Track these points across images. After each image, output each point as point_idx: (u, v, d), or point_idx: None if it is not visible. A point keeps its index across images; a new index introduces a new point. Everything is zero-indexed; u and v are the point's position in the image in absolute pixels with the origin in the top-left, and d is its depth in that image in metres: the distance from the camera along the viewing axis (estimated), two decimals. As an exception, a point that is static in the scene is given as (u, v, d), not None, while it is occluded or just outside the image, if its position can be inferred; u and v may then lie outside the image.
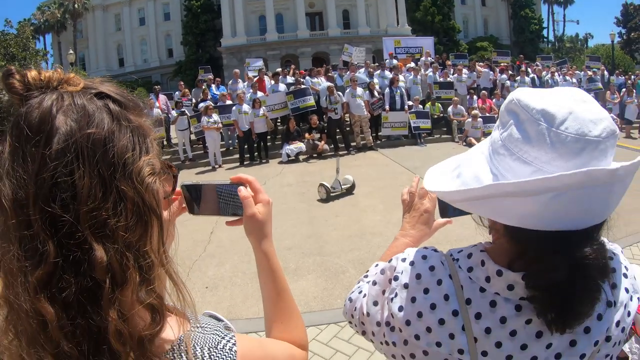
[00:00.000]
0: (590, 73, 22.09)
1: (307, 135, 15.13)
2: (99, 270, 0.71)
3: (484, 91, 18.52)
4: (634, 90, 19.82)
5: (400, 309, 1.05)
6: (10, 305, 0.73)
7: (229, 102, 16.00)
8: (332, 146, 15.37)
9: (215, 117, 14.73)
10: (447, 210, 1.43)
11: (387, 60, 21.14)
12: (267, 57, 46.70)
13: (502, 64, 22.22)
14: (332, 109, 15.39)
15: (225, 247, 7.43)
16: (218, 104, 15.94)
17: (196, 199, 1.18)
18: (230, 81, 18.27)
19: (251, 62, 22.05)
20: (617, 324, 0.99)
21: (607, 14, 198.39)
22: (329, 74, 17.80)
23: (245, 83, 17.61)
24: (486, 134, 15.91)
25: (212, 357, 0.84)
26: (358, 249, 7.05)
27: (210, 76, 19.94)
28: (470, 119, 16.14)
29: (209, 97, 16.55)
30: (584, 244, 0.90)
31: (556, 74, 20.59)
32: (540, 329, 0.95)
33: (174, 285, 0.82)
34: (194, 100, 17.32)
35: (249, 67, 20.83)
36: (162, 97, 17.47)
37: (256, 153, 15.22)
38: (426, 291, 1.04)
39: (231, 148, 16.39)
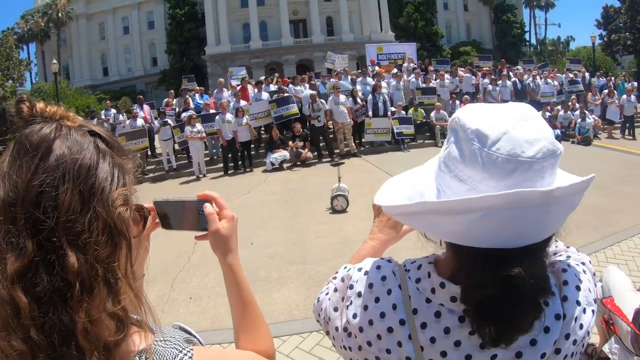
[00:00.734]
0: (571, 75, 22.42)
1: (290, 143, 15.10)
2: (71, 274, 0.79)
3: (466, 96, 18.72)
4: (615, 92, 20.12)
5: (355, 316, 1.10)
6: None
7: (212, 111, 15.98)
8: (316, 154, 15.42)
9: (198, 126, 14.71)
10: None
11: (370, 67, 21.29)
12: (251, 65, 46.79)
13: (484, 69, 22.52)
14: (315, 117, 15.45)
15: (209, 257, 7.34)
16: (201, 113, 15.92)
17: (168, 215, 1.25)
18: (215, 90, 18.25)
19: (234, 70, 22.14)
20: (567, 336, 0.99)
21: (588, 16, 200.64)
22: (312, 82, 17.86)
23: (230, 92, 17.61)
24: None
25: None
26: (341, 257, 6.99)
27: (194, 85, 19.94)
28: (452, 124, 16.10)
29: (191, 106, 16.51)
30: (519, 261, 0.90)
31: (538, 77, 20.82)
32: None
33: (137, 301, 0.89)
34: (177, 110, 17.28)
35: (232, 76, 20.86)
36: (146, 106, 17.51)
37: (240, 162, 15.19)
38: (377, 300, 1.08)
39: (215, 157, 16.36)
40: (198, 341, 1.07)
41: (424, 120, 17.74)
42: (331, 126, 16.33)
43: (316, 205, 10.08)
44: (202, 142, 15.05)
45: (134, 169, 1.02)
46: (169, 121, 15.74)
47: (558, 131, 17.23)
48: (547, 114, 17.97)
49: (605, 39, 47.21)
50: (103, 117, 18.04)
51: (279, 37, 49.51)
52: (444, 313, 1.01)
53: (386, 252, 1.45)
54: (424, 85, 18.65)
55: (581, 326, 1.01)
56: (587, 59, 42.90)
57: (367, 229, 1.44)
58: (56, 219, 0.81)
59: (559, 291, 1.01)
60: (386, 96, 17.01)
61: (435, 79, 19.22)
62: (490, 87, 19.42)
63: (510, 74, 20.96)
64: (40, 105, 0.91)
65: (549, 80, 20.79)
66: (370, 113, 16.36)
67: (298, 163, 14.88)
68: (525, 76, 20.68)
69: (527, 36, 63.29)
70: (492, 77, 20.31)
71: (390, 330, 1.04)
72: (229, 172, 14.90)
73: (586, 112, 17.92)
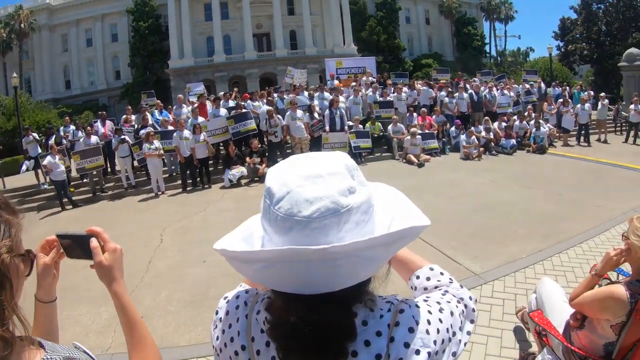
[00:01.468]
0: (527, 86, 22.90)
1: (248, 159, 15.11)
2: None
3: (423, 109, 18.89)
4: (570, 101, 20.81)
5: (217, 338, 1.24)
6: None
7: (170, 128, 15.89)
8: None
9: (156, 143, 14.64)
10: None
11: (329, 82, 21.50)
12: (215, 79, 46.61)
13: (441, 81, 22.83)
14: (272, 132, 15.55)
15: (162, 276, 7.46)
16: (160, 130, 15.82)
17: (69, 246, 1.46)
18: (175, 106, 18.12)
19: (192, 87, 22.00)
20: None
21: (546, 28, 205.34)
22: (269, 98, 17.93)
23: (190, 108, 17.48)
24: (425, 151, 16.44)
25: None
26: None
27: (154, 100, 19.82)
28: (409, 137, 16.45)
29: (149, 122, 16.38)
30: (317, 307, 0.97)
31: (494, 88, 21.11)
32: None
33: (22, 325, 1.08)
34: (136, 126, 17.09)
35: (190, 92, 20.81)
36: (108, 122, 17.30)
37: (198, 179, 15.13)
38: (230, 326, 1.21)
39: (174, 174, 16.27)
40: (92, 358, 1.25)
41: (382, 133, 17.90)
42: (289, 141, 16.41)
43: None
44: (160, 159, 14.92)
45: (20, 223, 1.17)
46: (127, 138, 15.60)
47: (514, 141, 17.73)
48: (504, 124, 18.43)
49: (562, 49, 48.44)
50: (62, 133, 17.88)
51: (243, 50, 49.29)
52: (272, 343, 1.08)
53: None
54: (381, 99, 18.82)
55: None
56: (544, 69, 44.04)
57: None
58: None
59: (388, 331, 1.06)
60: (343, 111, 17.17)
61: (393, 93, 19.42)
62: (446, 99, 19.74)
63: (467, 86, 21.24)
64: None
65: (505, 92, 21.08)
66: (327, 128, 16.52)
67: (256, 179, 14.86)
68: (482, 88, 20.91)
69: (487, 48, 64.56)
70: (449, 89, 20.60)
71: (236, 353, 1.17)
72: (188, 188, 14.84)
73: (541, 121, 18.41)
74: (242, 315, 1.21)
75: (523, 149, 17.95)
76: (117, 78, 54.72)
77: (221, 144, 16.56)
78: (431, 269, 1.45)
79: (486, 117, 18.77)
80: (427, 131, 17.43)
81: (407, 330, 1.06)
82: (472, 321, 1.29)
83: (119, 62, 54.75)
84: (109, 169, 16.85)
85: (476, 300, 1.37)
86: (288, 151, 16.43)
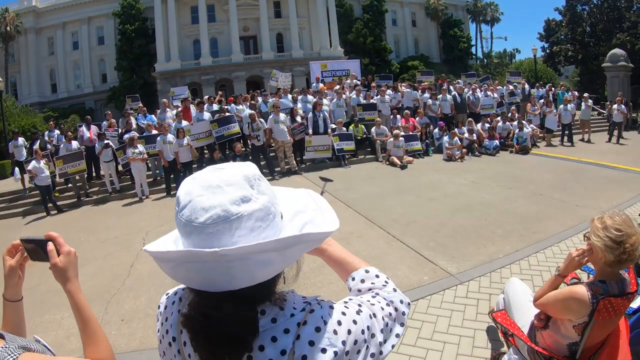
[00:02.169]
0: (511, 87, 23.05)
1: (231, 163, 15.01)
2: None
3: (407, 111, 18.97)
4: (552, 101, 21.06)
5: (158, 330, 1.34)
6: None
7: (154, 132, 15.87)
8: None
9: (140, 147, 14.67)
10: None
11: (314, 85, 21.54)
12: (202, 82, 46.50)
13: (424, 83, 22.97)
14: (254, 136, 15.57)
15: (143, 280, 7.46)
16: (144, 134, 15.82)
17: (31, 249, 1.60)
18: (159, 110, 18.09)
19: (176, 91, 21.97)
20: None
21: (532, 30, 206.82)
22: (253, 102, 17.95)
23: (174, 112, 17.45)
24: (408, 153, 16.52)
25: None
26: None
27: (139, 104, 19.74)
28: (392, 139, 16.53)
29: (133, 127, 16.39)
30: (221, 303, 1.04)
31: (478, 90, 21.24)
32: None
33: None
34: (120, 130, 17.06)
35: (174, 96, 20.77)
36: (93, 127, 17.22)
37: (182, 182, 15.01)
38: (166, 319, 1.31)
39: (158, 178, 16.28)
40: (49, 351, 1.40)
41: (365, 135, 17.96)
42: (273, 145, 16.41)
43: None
44: (144, 164, 14.92)
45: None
46: (110, 143, 15.60)
47: (497, 142, 17.87)
48: (487, 125, 18.58)
49: (547, 51, 48.76)
50: (47, 138, 17.84)
51: (230, 53, 49.11)
52: None
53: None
54: (364, 101, 18.87)
55: None
56: (529, 70, 44.39)
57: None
58: None
59: (297, 329, 1.12)
60: (326, 113, 17.21)
61: (377, 95, 19.48)
62: (430, 101, 19.87)
63: (451, 87, 21.38)
64: None
65: (489, 93, 21.23)
66: (310, 131, 16.58)
67: (239, 182, 14.76)
68: (466, 89, 21.05)
69: (474, 50, 64.86)
70: (432, 91, 20.72)
71: (169, 344, 1.27)
72: (172, 192, 14.79)
73: (524, 122, 18.60)
74: (175, 310, 1.30)
75: (506, 149, 18.11)
76: (103, 81, 54.10)
77: (205, 148, 16.54)
78: (367, 271, 1.51)
79: (469, 119, 18.91)
80: (410, 133, 17.50)
81: (314, 330, 1.12)
82: (402, 324, 1.35)
83: (106, 65, 54.16)
84: (94, 174, 16.81)
85: (409, 304, 1.42)
86: (272, 154, 16.48)
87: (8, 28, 48.76)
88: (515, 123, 18.68)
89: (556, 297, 2.97)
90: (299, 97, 18.46)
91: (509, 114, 19.99)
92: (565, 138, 19.53)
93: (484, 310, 5.30)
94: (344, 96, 18.94)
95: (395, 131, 16.82)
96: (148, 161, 15.48)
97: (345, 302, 1.28)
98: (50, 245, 1.58)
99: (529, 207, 9.70)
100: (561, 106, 19.99)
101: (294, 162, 16.26)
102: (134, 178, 15.00)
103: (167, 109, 17.87)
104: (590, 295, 2.73)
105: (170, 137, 14.93)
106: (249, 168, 1.14)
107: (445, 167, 15.63)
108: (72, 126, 25.56)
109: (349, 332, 1.16)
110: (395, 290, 1.42)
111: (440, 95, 20.19)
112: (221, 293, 1.05)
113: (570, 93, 23.68)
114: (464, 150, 17.13)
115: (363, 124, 18.10)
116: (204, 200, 1.04)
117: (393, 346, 1.28)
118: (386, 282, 1.46)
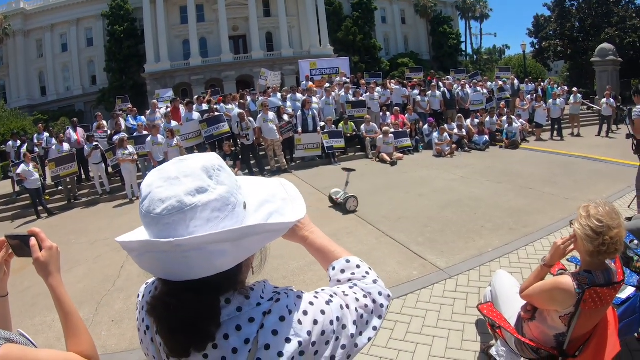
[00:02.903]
0: (500, 83, 23.08)
1: (221, 162, 15.00)
2: None
3: (396, 107, 19.02)
4: (542, 96, 21.17)
5: (137, 318, 1.34)
6: None
7: (145, 132, 15.80)
8: (247, 171, 15.41)
9: (130, 148, 14.62)
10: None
11: (303, 83, 21.55)
12: (191, 82, 46.41)
13: (414, 80, 23.03)
14: (244, 135, 15.55)
15: (134, 281, 7.42)
16: (134, 135, 15.77)
17: (15, 246, 1.65)
18: (148, 112, 18.03)
19: (161, 93, 22.07)
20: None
21: (521, 26, 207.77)
22: (242, 101, 17.94)
23: (163, 112, 17.43)
24: (398, 149, 16.53)
25: None
26: (269, 274, 7.14)
27: (129, 106, 19.71)
28: (381, 136, 16.55)
29: (122, 128, 16.33)
30: (181, 292, 1.06)
31: (467, 86, 21.26)
32: None
33: None
34: (109, 132, 17.00)
35: (159, 98, 20.77)
36: (80, 129, 17.15)
37: (173, 183, 14.95)
38: (143, 308, 1.30)
39: (149, 179, 16.10)
40: (32, 344, 1.44)
41: (355, 133, 17.99)
42: (262, 143, 16.40)
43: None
44: (134, 165, 14.89)
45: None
46: (99, 145, 15.52)
47: (486, 137, 17.92)
48: (476, 120, 18.65)
49: (536, 46, 48.92)
50: (36, 141, 17.77)
51: (219, 53, 49.04)
52: None
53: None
54: (353, 99, 18.85)
55: (280, 354, 1.09)
56: (519, 66, 44.54)
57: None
58: None
59: (262, 319, 1.12)
60: (315, 111, 17.23)
61: (366, 92, 19.50)
62: (419, 98, 19.89)
63: (440, 84, 21.43)
64: None
65: (478, 89, 21.29)
66: (299, 129, 16.60)
67: (229, 182, 14.73)
68: (455, 86, 21.10)
69: (463, 46, 65.15)
70: (422, 88, 20.70)
71: (145, 332, 1.28)
72: (162, 193, 14.67)
73: (513, 117, 18.70)
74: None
75: (496, 145, 18.16)
76: (93, 83, 53.83)
77: (195, 148, 16.45)
78: (347, 261, 1.48)
79: (459, 115, 18.98)
80: (400, 130, 17.53)
81: (278, 319, 1.13)
82: (380, 317, 1.33)
83: (95, 67, 53.82)
84: (84, 176, 16.74)
85: (389, 296, 1.40)
86: (262, 153, 16.49)
87: (-3, 31, 48.22)
88: (504, 118, 18.74)
89: (542, 288, 2.97)
90: (288, 96, 18.46)
91: (498, 110, 20.06)
92: (555, 132, 19.67)
93: (473, 304, 5.27)
94: (333, 94, 18.96)
95: (385, 128, 16.85)
96: (138, 162, 15.42)
97: (316, 293, 1.27)
98: (33, 241, 1.64)
99: (519, 201, 9.72)
100: (550, 101, 20.13)
101: (284, 160, 16.26)
102: (124, 179, 14.93)
103: (157, 110, 17.84)
104: (575, 285, 2.73)
105: (160, 137, 14.88)
106: (209, 159, 1.14)
107: (435, 163, 15.66)
108: (62, 129, 25.41)
109: (315, 322, 1.16)
110: (375, 282, 1.40)
111: (430, 92, 20.17)
112: (183, 282, 1.06)
113: (559, 88, 23.76)
114: (454, 146, 17.17)
115: (352, 122, 18.11)
116: (161, 191, 1.05)
117: (370, 339, 1.28)
118: (367, 272, 1.44)
